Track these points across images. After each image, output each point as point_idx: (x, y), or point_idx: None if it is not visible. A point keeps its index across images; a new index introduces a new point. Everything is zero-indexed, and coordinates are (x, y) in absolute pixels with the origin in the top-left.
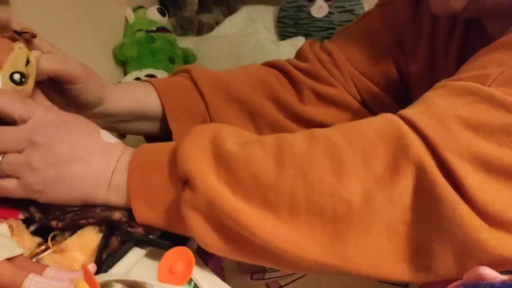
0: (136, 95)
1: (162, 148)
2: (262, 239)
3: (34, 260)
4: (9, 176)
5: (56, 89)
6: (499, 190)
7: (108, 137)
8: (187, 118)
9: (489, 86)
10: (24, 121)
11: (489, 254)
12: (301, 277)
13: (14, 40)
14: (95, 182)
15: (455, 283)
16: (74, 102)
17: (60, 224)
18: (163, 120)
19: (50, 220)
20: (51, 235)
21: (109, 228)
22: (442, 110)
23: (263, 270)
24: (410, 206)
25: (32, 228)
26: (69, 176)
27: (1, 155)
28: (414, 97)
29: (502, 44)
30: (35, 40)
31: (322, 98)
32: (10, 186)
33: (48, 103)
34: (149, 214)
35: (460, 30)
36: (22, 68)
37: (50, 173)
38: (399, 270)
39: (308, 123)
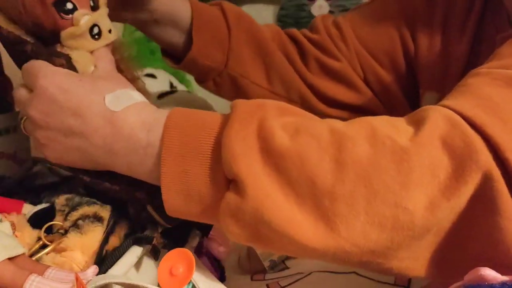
0: (176, 1)
1: (201, 129)
2: (311, 248)
3: (34, 259)
4: None
5: None
6: None
7: (117, 102)
8: (210, 39)
9: None
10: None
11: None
12: (302, 278)
13: None
14: (104, 154)
15: (456, 284)
16: None
17: (86, 178)
18: (189, 35)
19: (79, 173)
20: (45, 227)
21: (117, 218)
22: (496, 104)
23: (264, 270)
24: (469, 215)
25: (35, 209)
26: (73, 150)
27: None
28: (420, 80)
29: None
30: None
31: (326, 71)
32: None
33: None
34: (181, 205)
35: (477, 10)
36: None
37: (56, 147)
38: (431, 271)
39: (312, 89)
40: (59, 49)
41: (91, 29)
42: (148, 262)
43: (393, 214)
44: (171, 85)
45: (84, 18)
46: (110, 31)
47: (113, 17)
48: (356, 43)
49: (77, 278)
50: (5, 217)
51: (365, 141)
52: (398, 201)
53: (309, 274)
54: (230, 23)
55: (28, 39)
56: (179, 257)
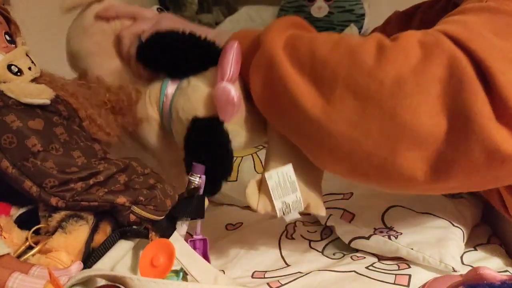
0: None
1: (255, 31)
2: (301, 105)
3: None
4: None
5: None
6: None
7: None
8: None
9: (486, 1)
10: None
11: (485, 141)
12: (301, 276)
13: None
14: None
15: (455, 283)
16: None
17: (60, 203)
18: None
19: (51, 195)
20: (32, 230)
21: (101, 216)
22: (471, 22)
23: (263, 270)
24: (436, 94)
25: (21, 211)
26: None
27: None
28: None
29: None
30: None
31: None
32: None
33: None
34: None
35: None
36: (23, 65)
37: None
38: (412, 163)
39: None
40: None
41: (9, 67)
42: (136, 255)
43: (366, 83)
44: None
45: None
46: (30, 68)
47: None
48: None
49: (50, 274)
50: None
51: (359, 37)
52: (371, 72)
53: (309, 272)
54: None
55: None
56: (160, 248)
